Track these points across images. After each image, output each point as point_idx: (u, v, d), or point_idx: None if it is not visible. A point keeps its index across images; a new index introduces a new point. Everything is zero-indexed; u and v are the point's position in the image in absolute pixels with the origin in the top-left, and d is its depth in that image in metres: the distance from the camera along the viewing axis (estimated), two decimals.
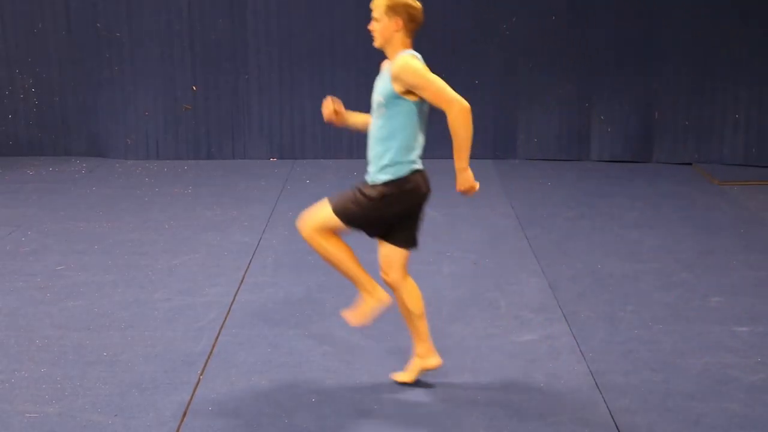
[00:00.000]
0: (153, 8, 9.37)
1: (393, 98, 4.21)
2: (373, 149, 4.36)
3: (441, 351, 4.96)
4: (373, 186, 4.32)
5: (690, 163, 9.41)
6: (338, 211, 4.30)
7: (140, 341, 5.10)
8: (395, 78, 4.15)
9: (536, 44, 9.41)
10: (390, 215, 4.31)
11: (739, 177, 8.82)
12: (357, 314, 4.47)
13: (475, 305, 5.64)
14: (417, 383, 4.59)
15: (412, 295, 4.46)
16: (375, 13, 4.25)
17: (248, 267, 6.32)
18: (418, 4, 4.25)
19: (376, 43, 4.28)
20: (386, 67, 4.31)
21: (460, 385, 4.57)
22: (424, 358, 4.55)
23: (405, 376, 4.58)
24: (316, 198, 8.09)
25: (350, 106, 9.92)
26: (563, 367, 4.78)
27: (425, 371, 4.59)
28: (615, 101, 9.46)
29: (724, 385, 4.58)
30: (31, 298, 5.74)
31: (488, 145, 9.63)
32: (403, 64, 4.11)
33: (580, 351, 4.97)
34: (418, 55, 4.24)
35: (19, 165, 9.40)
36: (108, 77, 9.54)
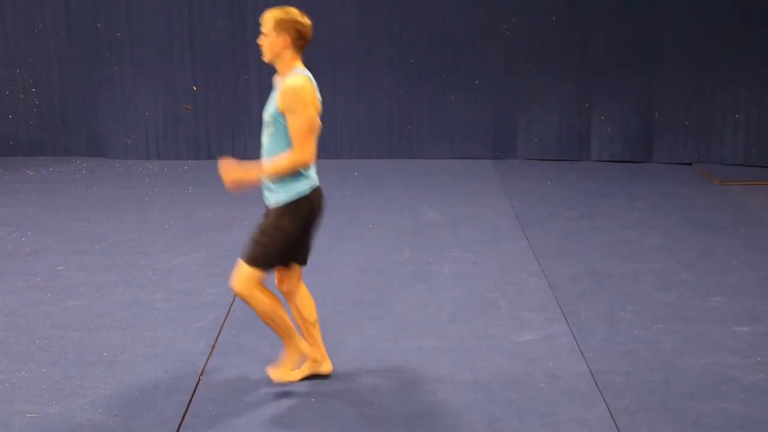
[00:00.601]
0: (153, 8, 9.37)
1: (279, 116, 4.20)
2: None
3: (441, 351, 4.97)
4: (280, 211, 4.28)
5: (690, 163, 9.41)
6: (253, 263, 4.27)
7: (140, 341, 5.10)
8: (281, 96, 4.15)
9: (536, 44, 9.41)
10: (300, 234, 4.32)
11: (739, 177, 8.82)
12: (284, 371, 4.51)
13: (475, 305, 5.64)
14: (417, 383, 4.59)
15: (307, 303, 4.54)
16: (264, 28, 4.22)
17: None
18: (307, 21, 4.23)
19: (265, 58, 4.27)
20: (277, 84, 4.30)
21: (460, 385, 4.57)
22: (319, 363, 4.60)
23: (294, 375, 4.60)
24: None
25: (350, 105, 10.01)
26: (563, 367, 4.78)
27: (317, 374, 4.61)
28: (615, 101, 9.46)
29: (724, 385, 4.58)
30: (31, 298, 5.74)
31: (488, 145, 9.63)
32: (292, 87, 4.12)
33: (580, 351, 4.97)
34: (310, 76, 4.23)
35: (19, 165, 9.40)
36: (108, 77, 9.54)
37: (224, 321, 5.38)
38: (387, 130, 9.67)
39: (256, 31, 9.58)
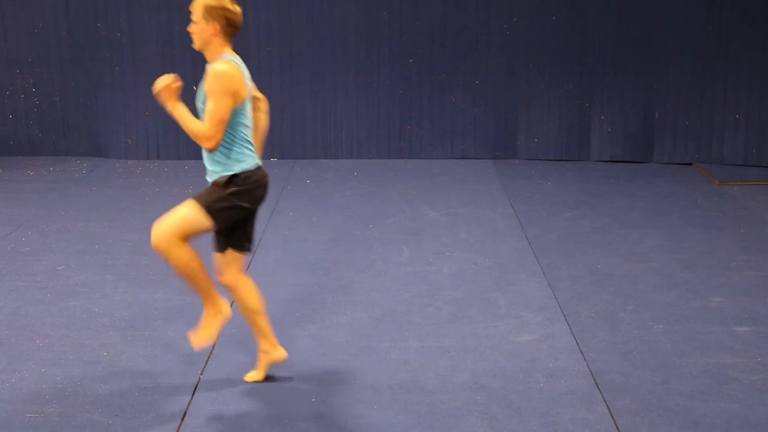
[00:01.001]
0: (153, 8, 9.37)
1: (206, 102, 4.20)
2: (205, 158, 4.34)
3: (440, 351, 4.97)
4: (220, 180, 4.26)
5: (690, 163, 9.41)
6: (209, 210, 4.23)
7: (140, 341, 5.10)
8: (206, 79, 4.16)
9: (536, 44, 9.41)
10: (240, 210, 4.29)
11: (739, 177, 8.82)
12: (203, 334, 4.42)
13: (475, 305, 5.65)
14: (418, 383, 4.60)
15: (250, 294, 4.48)
16: (193, 16, 4.22)
17: (248, 267, 6.32)
18: (237, 9, 4.24)
19: (195, 46, 4.27)
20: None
21: (460, 385, 4.57)
22: (270, 353, 4.57)
23: (256, 375, 4.60)
24: (317, 198, 8.17)
25: (350, 105, 10.01)
26: (563, 367, 4.78)
27: (273, 365, 4.60)
28: (615, 101, 9.45)
29: (724, 385, 4.58)
30: (31, 298, 5.74)
31: (488, 145, 9.63)
32: (215, 72, 4.12)
33: (580, 351, 4.97)
34: (238, 61, 4.23)
35: (19, 165, 9.40)
36: (108, 77, 9.54)
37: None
38: (387, 130, 9.66)
39: (256, 31, 9.65)
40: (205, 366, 4.79)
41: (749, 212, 7.71)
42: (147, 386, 4.56)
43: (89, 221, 7.42)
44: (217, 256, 4.48)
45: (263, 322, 4.53)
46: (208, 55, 4.26)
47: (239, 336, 5.16)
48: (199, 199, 4.26)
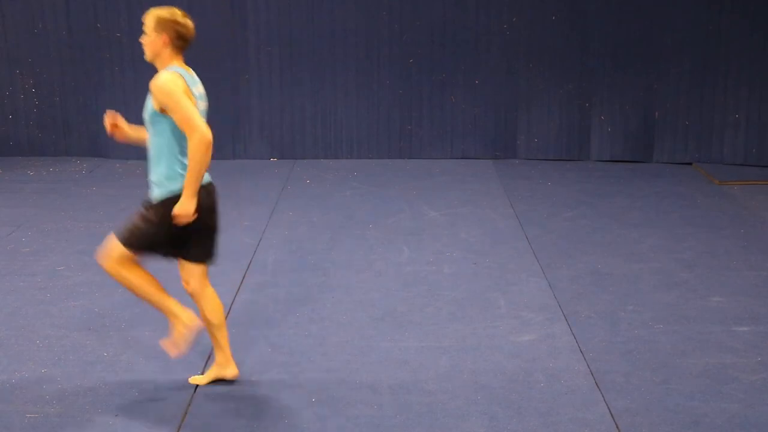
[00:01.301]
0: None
1: (154, 115, 4.22)
2: (149, 167, 4.35)
3: (441, 351, 4.97)
4: (154, 206, 4.28)
5: (690, 163, 9.41)
6: (125, 241, 4.26)
7: (140, 341, 5.10)
8: (153, 95, 4.17)
9: (536, 44, 9.41)
10: (176, 232, 4.27)
11: (739, 177, 8.82)
12: (173, 343, 4.46)
13: (475, 305, 5.64)
14: (417, 383, 4.60)
15: (212, 306, 4.50)
16: (145, 27, 4.25)
17: (248, 267, 6.32)
18: (189, 23, 4.26)
19: (146, 57, 4.30)
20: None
21: (460, 385, 4.57)
22: (223, 367, 4.58)
23: (201, 379, 4.60)
24: (317, 198, 8.17)
25: (350, 105, 10.00)
26: (563, 367, 4.78)
27: (222, 379, 4.59)
28: (615, 101, 9.45)
29: (724, 385, 4.58)
30: (32, 298, 5.74)
31: (488, 145, 9.63)
32: (159, 83, 4.14)
33: (580, 351, 4.97)
34: (185, 73, 4.25)
35: (19, 165, 9.40)
36: (108, 77, 9.54)
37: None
38: (387, 130, 9.66)
39: (257, 31, 9.65)
40: (205, 366, 4.79)
41: (749, 212, 7.71)
42: (147, 386, 4.56)
43: (89, 221, 7.42)
44: (180, 266, 4.47)
45: (221, 336, 4.54)
46: (158, 66, 4.29)
47: (239, 336, 5.16)
48: (119, 230, 4.29)
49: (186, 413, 4.30)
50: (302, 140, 9.70)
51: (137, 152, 9.67)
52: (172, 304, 4.39)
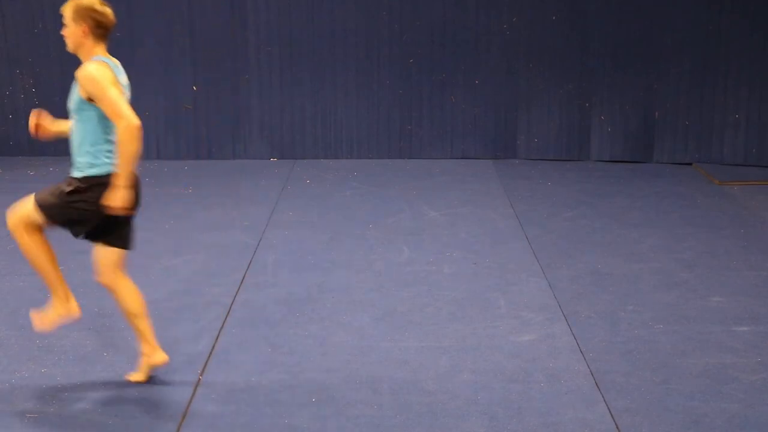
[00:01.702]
0: (153, 8, 9.37)
1: (81, 104, 4.25)
2: (72, 153, 4.36)
3: (440, 351, 4.97)
4: (71, 179, 4.33)
5: (690, 163, 9.41)
6: (40, 204, 4.31)
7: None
8: (80, 85, 4.20)
9: (536, 44, 9.41)
10: (87, 213, 4.31)
11: (739, 177, 8.82)
12: (44, 318, 4.48)
13: (475, 305, 5.64)
14: (417, 383, 4.60)
15: (130, 296, 4.50)
16: (64, 19, 4.29)
17: (248, 267, 6.32)
18: (106, 10, 4.29)
19: (69, 48, 4.33)
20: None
21: (460, 385, 4.57)
22: (150, 356, 4.58)
23: (137, 376, 4.61)
24: (317, 198, 8.16)
25: (350, 105, 9.99)
26: (563, 367, 4.78)
27: (154, 367, 4.61)
28: (615, 101, 9.45)
29: (724, 385, 4.58)
30: (31, 298, 5.73)
31: (488, 145, 9.63)
32: (85, 73, 4.17)
33: (580, 351, 4.97)
34: (110, 62, 4.29)
35: (19, 165, 9.40)
36: None
37: (224, 321, 5.38)
38: (387, 130, 9.66)
39: (257, 31, 9.65)
40: (205, 366, 4.79)
41: (749, 212, 7.71)
42: (147, 386, 4.56)
43: None
44: (94, 254, 4.47)
45: (143, 325, 4.54)
46: (81, 56, 4.31)
47: (239, 336, 5.16)
48: (39, 193, 4.34)
49: (186, 413, 4.30)
50: (302, 140, 9.70)
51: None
52: (61, 287, 4.43)
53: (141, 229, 7.17)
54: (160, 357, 4.59)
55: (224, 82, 9.56)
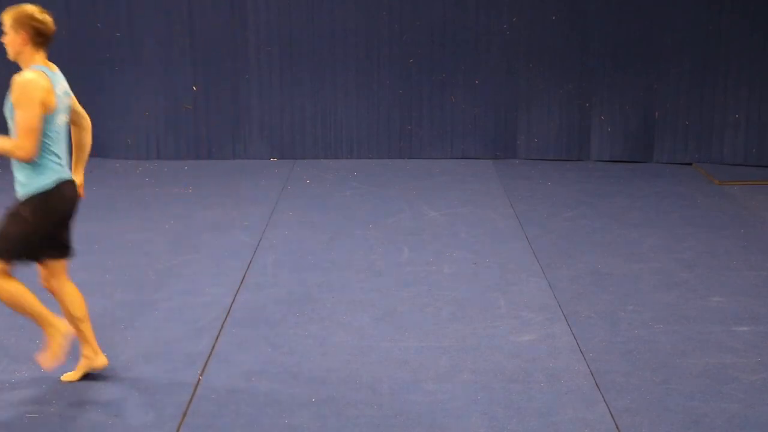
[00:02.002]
0: (153, 8, 9.37)
1: (13, 111, 4.21)
2: (13, 165, 4.33)
3: (441, 351, 4.97)
4: (23, 204, 4.26)
5: (690, 163, 9.41)
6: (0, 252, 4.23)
7: (140, 341, 5.10)
8: (11, 90, 4.19)
9: (536, 44, 9.41)
10: (47, 230, 4.30)
11: (739, 177, 8.82)
12: (50, 354, 4.43)
13: (475, 305, 5.64)
14: (417, 383, 4.60)
15: (73, 300, 4.51)
16: (4, 27, 4.28)
17: (248, 267, 6.32)
18: (46, 18, 4.33)
19: (9, 56, 4.32)
20: None
21: (460, 385, 4.57)
22: (91, 359, 4.59)
23: (72, 375, 4.60)
24: (317, 198, 8.16)
25: (350, 105, 9.99)
26: (563, 367, 4.78)
27: (93, 370, 4.60)
28: (615, 101, 9.45)
29: (724, 385, 4.58)
30: None
31: (488, 145, 9.63)
32: (19, 82, 4.16)
33: (580, 351, 4.97)
34: (48, 71, 4.28)
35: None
36: (108, 77, 9.54)
37: (224, 321, 5.38)
38: (387, 130, 9.66)
39: (257, 31, 9.64)
40: (205, 366, 4.79)
41: (749, 212, 7.71)
42: (147, 386, 4.56)
43: (89, 221, 7.41)
44: (41, 265, 4.47)
45: (86, 329, 4.55)
46: (21, 64, 4.30)
47: (239, 336, 5.16)
48: None
49: (186, 413, 4.29)
50: (302, 140, 9.70)
51: (137, 152, 9.70)
52: (49, 315, 4.39)
53: (141, 229, 7.20)
54: (101, 360, 4.61)
55: (224, 82, 9.56)
